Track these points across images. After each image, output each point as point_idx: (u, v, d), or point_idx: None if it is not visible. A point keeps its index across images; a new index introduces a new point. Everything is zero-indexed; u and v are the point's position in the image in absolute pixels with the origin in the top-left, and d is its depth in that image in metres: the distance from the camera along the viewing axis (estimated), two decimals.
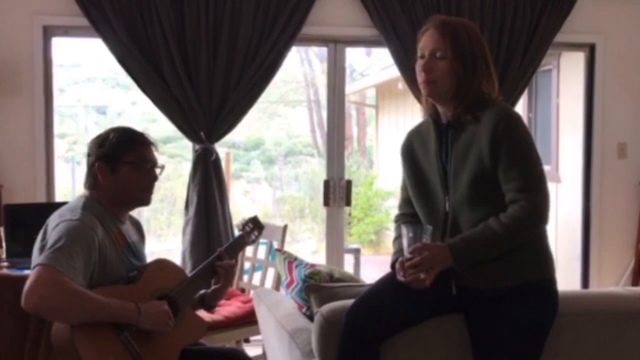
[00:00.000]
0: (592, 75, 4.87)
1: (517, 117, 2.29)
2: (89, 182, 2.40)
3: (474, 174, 2.24)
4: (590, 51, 4.88)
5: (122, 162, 2.36)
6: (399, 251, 2.35)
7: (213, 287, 2.61)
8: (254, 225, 2.72)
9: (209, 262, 2.57)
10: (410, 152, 2.46)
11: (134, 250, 2.46)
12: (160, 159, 2.50)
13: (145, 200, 2.45)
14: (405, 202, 2.52)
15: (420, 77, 2.31)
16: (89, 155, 2.41)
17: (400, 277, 2.24)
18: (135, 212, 2.62)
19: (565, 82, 5.80)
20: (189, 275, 2.53)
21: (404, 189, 2.52)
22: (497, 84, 2.36)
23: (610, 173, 4.89)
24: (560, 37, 4.66)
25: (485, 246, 2.20)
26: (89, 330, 2.13)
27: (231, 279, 2.65)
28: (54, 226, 2.24)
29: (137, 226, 2.61)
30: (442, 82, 2.28)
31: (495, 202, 2.23)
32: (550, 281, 2.31)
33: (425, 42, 2.31)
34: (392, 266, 2.36)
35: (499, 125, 2.20)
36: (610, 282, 4.85)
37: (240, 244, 2.73)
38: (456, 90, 2.28)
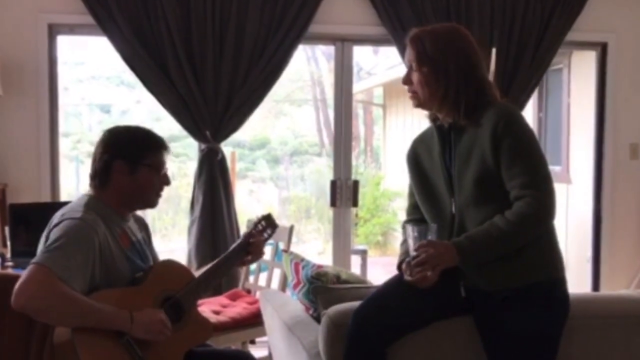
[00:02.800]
0: (604, 74, 4.83)
1: (517, 115, 2.30)
2: (99, 179, 2.36)
3: (477, 174, 2.24)
4: (602, 50, 4.84)
5: (142, 164, 2.35)
6: (405, 253, 2.35)
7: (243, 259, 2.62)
8: (267, 224, 2.69)
9: (216, 264, 2.55)
10: (416, 159, 2.49)
11: (139, 249, 2.44)
12: (165, 159, 2.49)
13: (153, 204, 2.44)
14: (413, 208, 2.53)
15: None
16: (103, 152, 2.35)
17: (407, 276, 2.24)
18: (140, 212, 2.60)
19: (576, 82, 5.76)
20: (197, 275, 2.50)
21: (411, 195, 2.53)
22: (494, 86, 2.37)
23: (622, 174, 4.85)
24: (571, 36, 4.62)
25: (490, 243, 2.19)
26: (90, 333, 2.11)
27: (261, 254, 2.67)
28: (55, 224, 2.23)
29: (141, 223, 2.58)
30: (420, 92, 2.33)
31: (501, 202, 2.23)
32: (560, 281, 2.30)
33: (405, 56, 2.39)
34: (399, 267, 2.36)
35: (499, 123, 2.21)
36: (622, 285, 4.81)
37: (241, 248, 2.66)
38: (433, 98, 2.32)
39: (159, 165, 2.40)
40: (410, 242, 2.24)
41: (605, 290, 4.75)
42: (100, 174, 2.35)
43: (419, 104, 2.38)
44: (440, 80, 2.29)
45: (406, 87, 2.39)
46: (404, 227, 2.51)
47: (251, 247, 2.60)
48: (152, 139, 2.41)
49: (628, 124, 4.83)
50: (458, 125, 2.32)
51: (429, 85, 2.31)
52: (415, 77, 2.34)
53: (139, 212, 2.59)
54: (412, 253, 2.22)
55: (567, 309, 2.29)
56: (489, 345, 2.28)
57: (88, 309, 2.10)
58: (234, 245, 2.64)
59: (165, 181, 2.42)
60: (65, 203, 2.43)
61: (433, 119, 2.42)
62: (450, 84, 2.28)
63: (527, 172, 2.19)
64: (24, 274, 2.08)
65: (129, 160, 2.34)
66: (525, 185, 2.18)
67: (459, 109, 2.29)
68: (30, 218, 3.63)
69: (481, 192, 2.24)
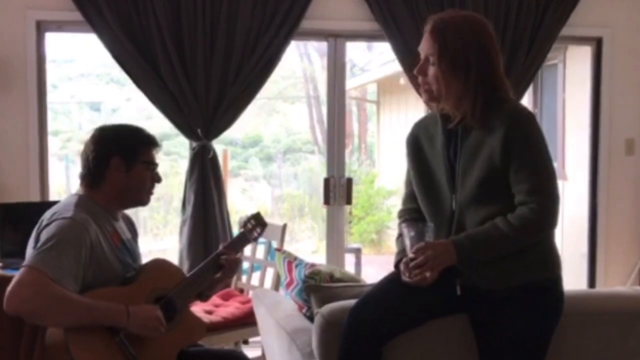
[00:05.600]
0: (599, 69, 4.80)
1: (531, 118, 2.27)
2: (93, 178, 2.34)
3: (483, 174, 2.21)
4: (597, 45, 4.81)
5: (138, 160, 2.36)
6: (402, 251, 2.33)
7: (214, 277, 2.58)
8: (257, 222, 2.68)
9: (209, 261, 2.53)
10: (416, 144, 2.43)
11: (129, 247, 2.44)
12: (156, 156, 2.51)
13: (146, 202, 2.45)
14: (410, 197, 2.49)
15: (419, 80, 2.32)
16: (99, 149, 2.34)
17: (405, 277, 2.22)
18: (132, 210, 2.59)
19: (571, 77, 5.76)
20: (188, 275, 2.50)
21: (408, 183, 2.48)
22: (508, 83, 2.31)
23: (617, 170, 4.83)
24: (566, 31, 4.59)
25: (490, 245, 2.18)
26: (83, 333, 2.11)
27: (234, 273, 2.64)
28: (45, 225, 2.22)
29: (129, 222, 2.58)
30: (436, 88, 2.26)
31: (503, 203, 2.21)
32: (556, 281, 2.29)
33: (422, 45, 2.29)
34: (396, 266, 2.34)
35: (512, 125, 2.18)
36: (617, 282, 4.81)
37: (241, 241, 2.68)
38: (449, 95, 2.24)
39: (153, 163, 2.41)
40: (407, 242, 2.22)
41: (601, 287, 4.75)
42: (95, 171, 2.34)
43: (431, 98, 2.30)
44: (459, 77, 2.22)
45: (419, 82, 2.32)
46: (400, 216, 2.49)
47: (226, 263, 2.53)
48: (146, 135, 2.43)
49: (623, 119, 4.81)
50: (468, 123, 2.26)
51: (446, 82, 2.23)
52: (431, 71, 2.26)
53: (131, 212, 2.59)
54: (410, 255, 2.20)
55: (562, 308, 2.29)
56: (483, 343, 2.27)
57: (83, 307, 2.10)
58: (229, 241, 2.63)
59: (157, 179, 2.43)
60: (55, 202, 2.42)
61: (441, 108, 2.34)
62: (470, 81, 2.22)
63: (535, 178, 2.17)
64: (15, 277, 2.08)
65: (126, 157, 2.34)
66: (532, 192, 2.16)
67: (476, 107, 2.22)
68: (19, 218, 3.60)
69: (484, 192, 2.22)
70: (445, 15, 2.30)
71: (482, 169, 2.21)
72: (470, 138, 2.26)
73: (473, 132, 2.25)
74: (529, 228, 2.16)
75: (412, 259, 2.19)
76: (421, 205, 2.41)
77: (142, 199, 2.43)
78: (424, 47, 2.28)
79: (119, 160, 2.33)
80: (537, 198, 2.15)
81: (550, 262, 2.28)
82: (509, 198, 2.21)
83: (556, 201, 2.19)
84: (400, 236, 2.39)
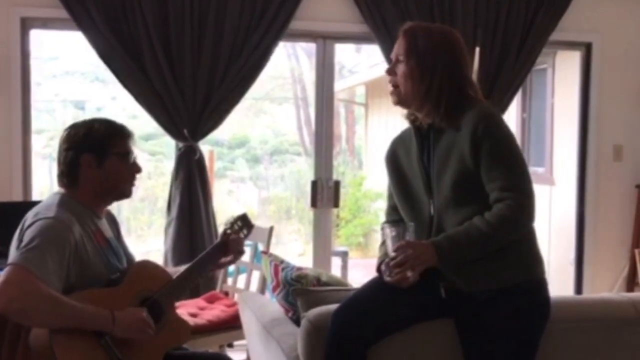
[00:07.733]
0: (588, 75, 4.83)
1: (497, 117, 2.31)
2: (69, 178, 2.32)
3: (456, 176, 2.24)
4: (587, 50, 4.84)
5: (110, 153, 2.32)
6: (384, 254, 2.34)
7: (222, 260, 2.58)
8: (243, 224, 2.66)
9: (195, 263, 2.52)
10: (394, 159, 2.48)
11: (113, 247, 2.41)
12: (141, 156, 2.44)
13: (128, 193, 2.42)
14: (392, 209, 2.53)
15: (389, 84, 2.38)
16: (68, 149, 2.32)
17: (386, 277, 2.24)
18: (115, 211, 2.57)
19: (560, 82, 5.77)
20: (175, 276, 2.47)
21: (390, 196, 2.53)
22: (477, 87, 2.37)
23: (605, 176, 4.85)
24: (555, 36, 4.62)
25: (469, 244, 2.19)
26: (68, 335, 2.09)
27: (240, 254, 2.62)
28: (29, 225, 2.19)
29: (110, 218, 2.54)
30: (403, 86, 2.32)
31: (480, 204, 2.22)
32: (540, 283, 2.30)
33: (394, 50, 2.38)
34: (378, 269, 2.36)
35: (479, 125, 2.20)
36: (604, 288, 4.83)
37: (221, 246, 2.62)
38: (415, 94, 2.30)
39: (127, 153, 2.37)
40: (389, 243, 2.24)
41: (588, 293, 4.75)
42: (69, 171, 2.31)
43: (399, 100, 2.36)
44: (425, 75, 2.28)
45: (389, 82, 2.36)
46: (382, 229, 2.49)
47: (229, 246, 2.56)
48: (115, 127, 2.38)
49: (612, 125, 4.83)
50: (437, 126, 2.31)
51: (412, 80, 2.29)
52: (400, 69, 2.32)
53: (115, 212, 2.55)
54: (391, 254, 2.21)
55: (548, 312, 2.29)
56: (468, 346, 2.26)
57: (70, 309, 2.08)
58: (212, 245, 2.60)
59: (136, 169, 2.40)
60: (38, 202, 2.38)
61: (412, 119, 2.41)
62: (435, 80, 2.27)
63: (507, 174, 2.19)
64: (1, 276, 2.05)
65: (96, 152, 2.31)
66: (505, 188, 2.18)
67: (440, 107, 2.27)
68: (2, 217, 3.53)
69: (460, 194, 2.24)
70: (418, 23, 2.42)
71: (454, 171, 2.24)
72: (442, 142, 2.29)
73: (444, 136, 2.29)
74: (506, 224, 2.18)
75: (392, 258, 2.20)
76: (402, 214, 2.44)
77: (123, 191, 2.40)
78: (395, 49, 2.36)
79: (89, 156, 2.30)
80: (512, 194, 2.17)
81: (533, 264, 2.28)
82: (485, 198, 2.22)
83: (531, 195, 2.20)
84: (383, 243, 2.40)
